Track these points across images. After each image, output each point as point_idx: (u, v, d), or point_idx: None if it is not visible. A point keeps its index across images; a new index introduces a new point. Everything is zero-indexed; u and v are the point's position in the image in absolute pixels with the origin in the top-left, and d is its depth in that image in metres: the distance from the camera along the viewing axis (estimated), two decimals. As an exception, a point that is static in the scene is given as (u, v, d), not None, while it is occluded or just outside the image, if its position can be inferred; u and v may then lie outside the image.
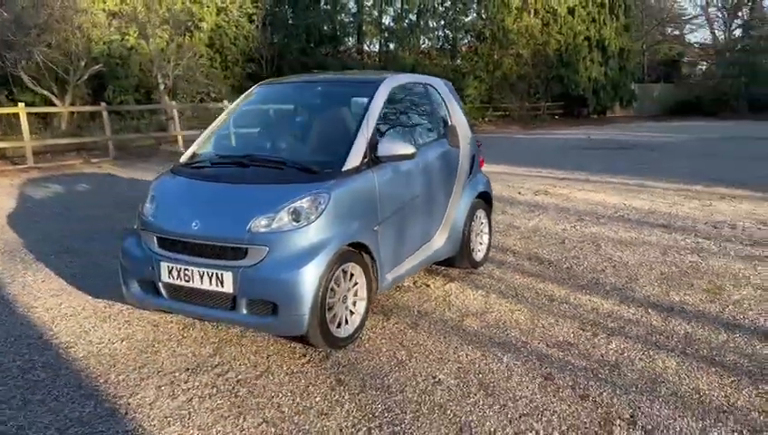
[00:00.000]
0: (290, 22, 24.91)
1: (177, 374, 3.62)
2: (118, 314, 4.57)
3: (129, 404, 3.29)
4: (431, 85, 5.18)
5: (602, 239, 6.67)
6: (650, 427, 3.01)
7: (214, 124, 4.75)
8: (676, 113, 34.07)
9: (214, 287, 3.67)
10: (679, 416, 3.10)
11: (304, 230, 3.63)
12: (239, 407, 3.25)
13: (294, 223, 3.64)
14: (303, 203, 3.69)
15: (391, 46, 29.83)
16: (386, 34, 29.74)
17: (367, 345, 3.98)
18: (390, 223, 4.20)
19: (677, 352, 3.84)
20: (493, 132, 24.74)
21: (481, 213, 5.51)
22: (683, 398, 3.27)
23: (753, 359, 3.73)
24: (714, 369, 3.60)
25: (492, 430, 3.00)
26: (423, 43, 30.74)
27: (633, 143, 19.04)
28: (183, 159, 4.53)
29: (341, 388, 3.43)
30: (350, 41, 29.77)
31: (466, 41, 29.67)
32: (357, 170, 3.96)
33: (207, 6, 23.65)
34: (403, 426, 3.04)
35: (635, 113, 33.70)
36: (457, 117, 5.31)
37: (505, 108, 30.62)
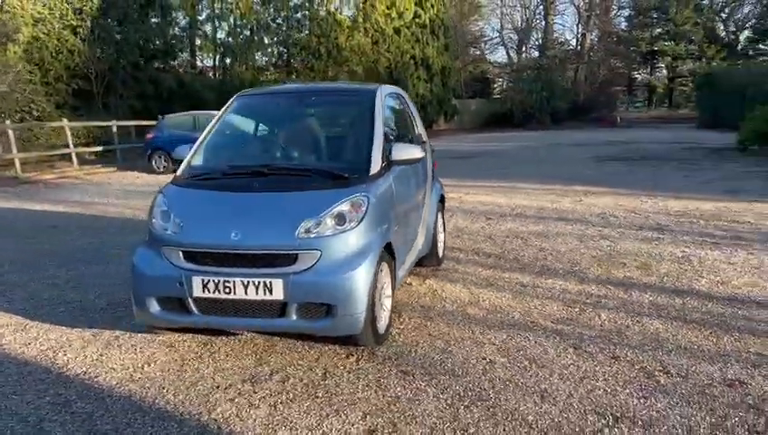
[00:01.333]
0: (118, 36, 23.43)
1: (239, 386, 3.57)
2: (114, 339, 4.31)
3: (215, 420, 3.22)
4: (401, 94, 5.51)
5: (521, 234, 7.42)
6: (683, 373, 3.60)
7: (202, 136, 4.63)
8: (491, 125, 37.49)
9: (261, 296, 3.64)
10: (697, 361, 3.74)
11: (352, 233, 3.76)
12: (330, 405, 3.31)
13: (339, 226, 3.75)
14: (345, 207, 3.82)
15: (227, 61, 29.30)
16: (221, 49, 29.17)
17: (400, 340, 4.18)
18: (400, 224, 4.45)
19: (654, 316, 4.54)
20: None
21: (440, 213, 5.94)
22: (688, 349, 3.93)
23: (713, 316, 4.54)
24: (691, 325, 4.34)
25: (568, 392, 3.40)
26: (258, 60, 30.61)
27: (473, 152, 20.73)
28: (181, 172, 4.37)
29: (412, 377, 3.62)
30: (184, 55, 28.74)
31: (300, 58, 30.04)
32: (380, 175, 4.17)
33: (22, 17, 21.50)
34: (492, 400, 3.33)
35: (456, 126, 36.47)
36: (419, 123, 5.69)
37: (342, 123, 31.55)
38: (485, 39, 55.37)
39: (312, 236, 3.70)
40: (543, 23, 46.79)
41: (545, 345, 4.05)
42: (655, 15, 51.44)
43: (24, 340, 4.35)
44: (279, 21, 30.54)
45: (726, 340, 4.07)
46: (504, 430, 3.04)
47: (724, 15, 51.96)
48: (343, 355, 3.94)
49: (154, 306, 3.88)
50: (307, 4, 29.87)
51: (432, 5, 32.82)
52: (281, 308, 3.69)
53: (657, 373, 3.61)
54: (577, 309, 4.72)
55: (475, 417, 3.15)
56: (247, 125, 4.99)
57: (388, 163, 4.33)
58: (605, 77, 44.24)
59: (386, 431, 3.04)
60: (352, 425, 3.11)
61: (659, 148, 19.86)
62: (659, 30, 51.72)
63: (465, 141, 27.56)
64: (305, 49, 29.16)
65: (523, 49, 53.01)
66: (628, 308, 4.71)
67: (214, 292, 3.69)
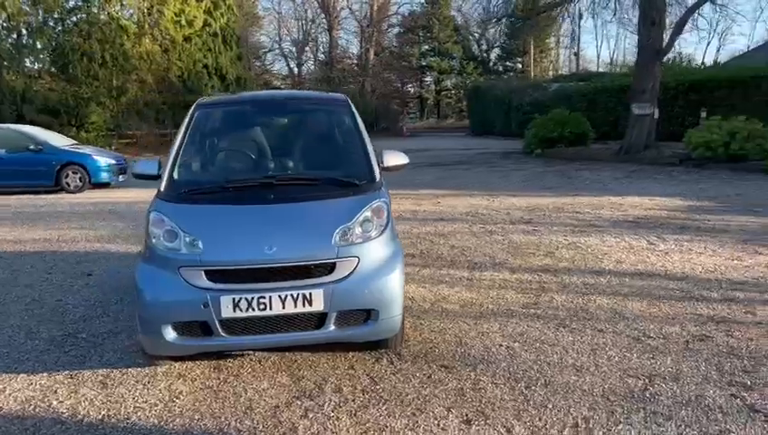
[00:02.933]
0: None
1: (299, 402, 3.49)
2: (105, 378, 3.88)
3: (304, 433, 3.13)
4: None
5: (421, 234, 7.90)
6: (660, 336, 4.31)
7: (175, 150, 4.30)
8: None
9: (299, 309, 3.55)
10: (660, 325, 4.49)
11: (382, 237, 3.86)
12: (408, 406, 3.41)
13: (367, 233, 3.82)
14: (368, 213, 3.90)
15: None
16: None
17: (413, 339, 4.34)
18: None
19: (595, 293, 5.28)
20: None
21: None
22: (644, 316, 4.69)
23: (638, 288, 5.40)
24: (629, 298, 5.13)
25: (593, 362, 3.89)
26: (31, 66, 27.24)
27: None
28: (168, 187, 4.04)
29: (457, 370, 3.83)
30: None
31: (82, 65, 27.38)
32: (382, 181, 4.31)
33: None
34: (542, 378, 3.69)
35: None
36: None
37: (132, 135, 29.42)
38: (265, 50, 55.55)
39: (348, 243, 3.71)
40: (328, 36, 48.34)
41: (538, 328, 4.50)
42: (421, 33, 55.91)
43: (-15, 393, 3.67)
44: (51, 24, 27.49)
45: (663, 306, 4.90)
46: (574, 400, 3.40)
47: (476, 35, 58.31)
48: (372, 360, 3.99)
49: (170, 334, 3.58)
50: (85, 7, 27.32)
51: (222, 14, 32.16)
52: (319, 320, 3.64)
53: (642, 338, 4.26)
54: (532, 295, 5.26)
55: (542, 394, 3.47)
56: (223, 136, 4.72)
57: (383, 169, 4.45)
58: (386, 90, 47.11)
59: (480, 419, 3.22)
60: (445, 419, 3.24)
61: (458, 154, 21.84)
62: (426, 47, 56.35)
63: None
64: (86, 55, 26.62)
65: (303, 61, 54.26)
66: (572, 289, 5.38)
67: (246, 310, 3.52)
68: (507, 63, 57.33)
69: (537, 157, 19.17)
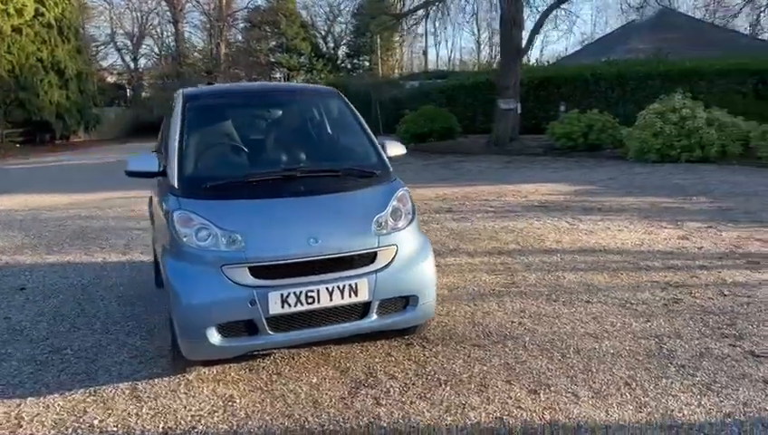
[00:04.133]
0: None
1: (364, 391, 3.52)
2: (135, 390, 3.63)
3: (392, 422, 3.20)
4: None
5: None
6: (641, 301, 4.84)
7: (176, 144, 4.06)
8: (140, 134, 35.42)
9: (346, 300, 3.56)
10: (633, 292, 5.03)
11: (412, 225, 3.98)
12: (470, 384, 3.57)
13: (399, 221, 3.92)
14: (396, 202, 4.01)
15: None
16: None
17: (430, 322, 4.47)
18: None
19: (560, 270, 5.75)
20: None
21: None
22: (614, 286, 5.22)
23: (591, 263, 5.96)
24: (590, 272, 5.66)
25: (604, 329, 4.30)
26: None
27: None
28: (183, 183, 3.82)
29: (492, 348, 4.05)
30: None
31: None
32: (392, 171, 4.40)
33: None
34: (568, 347, 4.03)
35: (97, 137, 33.52)
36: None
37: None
38: (98, 44, 51.69)
39: (386, 232, 3.78)
40: (174, 29, 45.99)
41: (532, 304, 4.85)
42: (269, 29, 55.11)
43: (14, 415, 3.27)
44: None
45: (622, 277, 5.47)
46: (610, 363, 3.76)
47: (323, 32, 58.67)
48: (404, 346, 4.10)
49: (214, 336, 3.44)
50: None
51: (56, 3, 29.44)
52: (363, 309, 3.68)
53: (626, 305, 4.75)
54: (506, 275, 5.62)
55: (580, 361, 3.80)
56: (224, 128, 4.48)
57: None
58: (238, 86, 45.84)
59: (544, 389, 3.47)
60: (511, 391, 3.44)
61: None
62: (274, 43, 55.67)
63: (125, 152, 25.59)
64: None
65: (139, 55, 51.22)
66: (536, 268, 5.81)
67: (295, 305, 3.47)
68: (355, 61, 58.21)
69: (412, 151, 19.83)
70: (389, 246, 3.72)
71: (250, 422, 3.20)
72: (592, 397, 3.33)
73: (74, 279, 5.97)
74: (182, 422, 3.22)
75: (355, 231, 3.68)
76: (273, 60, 55.99)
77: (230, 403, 3.40)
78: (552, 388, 3.45)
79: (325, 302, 3.51)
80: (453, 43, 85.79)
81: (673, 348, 3.91)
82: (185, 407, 3.38)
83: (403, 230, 3.83)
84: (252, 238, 3.48)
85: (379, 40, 54.06)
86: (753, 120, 13.59)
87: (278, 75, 57.90)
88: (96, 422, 3.25)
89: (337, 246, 3.56)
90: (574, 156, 15.82)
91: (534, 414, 3.17)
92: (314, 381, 3.63)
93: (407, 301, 3.79)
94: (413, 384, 3.54)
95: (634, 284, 5.24)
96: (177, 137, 4.07)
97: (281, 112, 4.66)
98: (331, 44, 60.16)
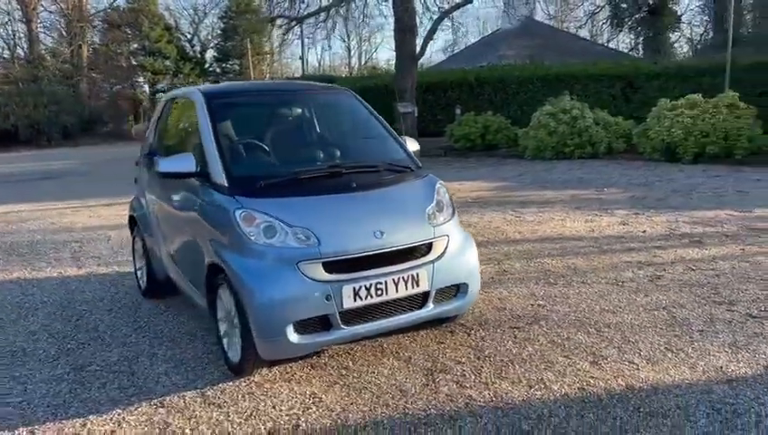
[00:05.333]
0: None
1: (441, 378, 3.63)
2: (207, 398, 3.51)
3: (488, 400, 3.38)
4: None
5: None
6: (628, 279, 5.35)
7: (212, 143, 3.94)
8: (-7, 144, 32.19)
9: (409, 291, 3.67)
10: (617, 272, 5.55)
11: (455, 216, 4.18)
12: (533, 362, 3.80)
13: (443, 212, 4.11)
14: (439, 195, 4.19)
15: None
16: None
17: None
18: None
19: (538, 257, 6.18)
20: None
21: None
22: (594, 268, 5.71)
23: (562, 248, 6.44)
24: (567, 258, 6.13)
25: (615, 304, 4.74)
26: None
27: (53, 172, 18.15)
28: (233, 181, 3.72)
29: (530, 329, 4.31)
30: None
31: None
32: None
33: None
34: (593, 322, 4.40)
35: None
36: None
37: None
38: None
39: (437, 223, 3.94)
40: (26, 30, 42.15)
41: (539, 287, 5.19)
42: (129, 31, 52.30)
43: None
44: None
45: (596, 260, 5.99)
46: (642, 333, 4.15)
47: (189, 35, 56.74)
48: (448, 333, 4.26)
49: (292, 334, 3.43)
50: None
51: None
52: (422, 299, 3.82)
53: (620, 283, 5.23)
54: (491, 265, 5.93)
55: (616, 333, 4.17)
56: (254, 126, 4.36)
57: None
58: (107, 91, 43.10)
59: (602, 360, 3.79)
60: (576, 364, 3.73)
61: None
62: (136, 45, 52.93)
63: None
64: None
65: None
66: (516, 257, 6.19)
67: (366, 298, 3.55)
68: (225, 65, 56.76)
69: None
70: (442, 236, 3.87)
71: (351, 415, 3.20)
72: (648, 363, 3.68)
73: (41, 296, 5.49)
74: (281, 422, 3.17)
75: (413, 223, 3.79)
76: (135, 63, 53.19)
77: (317, 400, 3.38)
78: (608, 359, 3.76)
79: (392, 293, 3.60)
80: (322, 49, 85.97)
81: (684, 317, 4.38)
82: (273, 407, 3.31)
83: (450, 221, 3.99)
84: (323, 234, 3.48)
85: (249, 43, 53.24)
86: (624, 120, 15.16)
87: (141, 80, 55.15)
88: (188, 431, 3.10)
89: (400, 239, 3.66)
90: (474, 156, 16.64)
91: (609, 382, 3.45)
92: (385, 371, 3.69)
93: (457, 289, 3.95)
94: (482, 367, 3.71)
95: (611, 265, 5.75)
96: (211, 137, 3.95)
97: (303, 110, 4.63)
98: (198, 48, 58.28)
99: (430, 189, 4.06)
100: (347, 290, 3.45)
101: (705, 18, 40.37)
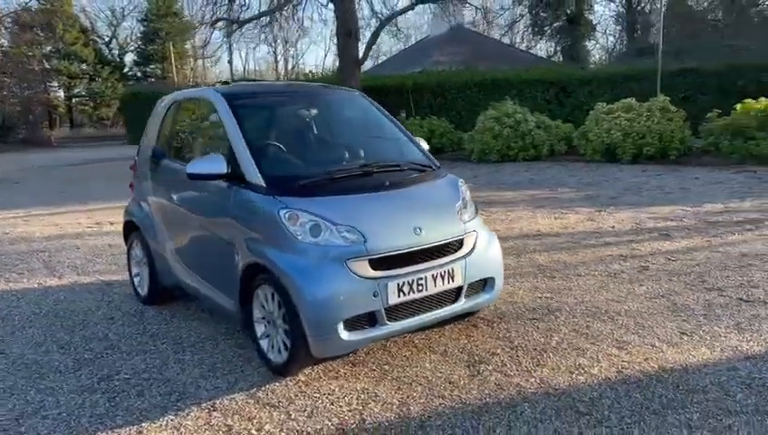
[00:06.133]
0: None
1: (485, 368, 3.75)
2: (258, 400, 3.48)
3: (547, 383, 3.54)
4: None
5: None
6: (632, 268, 5.68)
7: (241, 143, 3.93)
8: None
9: (445, 286, 3.78)
10: (620, 263, 5.88)
11: (478, 214, 4.34)
12: (566, 349, 3.99)
13: (469, 209, 4.26)
14: (462, 193, 4.33)
15: None
16: None
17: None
18: None
19: (524, 253, 6.43)
20: None
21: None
22: (599, 260, 6.02)
23: (543, 247, 6.72)
24: (551, 253, 6.41)
25: (623, 292, 5.02)
26: None
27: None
28: (270, 182, 3.70)
29: (549, 320, 4.50)
30: None
31: None
32: None
33: None
34: (612, 310, 4.66)
35: None
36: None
37: None
38: None
39: (466, 220, 4.09)
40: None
41: (540, 281, 5.41)
42: (41, 33, 49.87)
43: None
44: None
45: (580, 254, 6.29)
46: (653, 319, 4.41)
47: (107, 38, 54.72)
48: (472, 327, 4.39)
49: (343, 331, 3.49)
50: None
51: None
52: (456, 293, 3.95)
53: (613, 275, 5.52)
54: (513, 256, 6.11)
55: (626, 321, 4.42)
56: (277, 127, 4.33)
57: None
58: (12, 96, 40.81)
59: (627, 344, 4.02)
60: (605, 351, 3.94)
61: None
62: (50, 48, 50.54)
63: None
64: None
65: None
66: (508, 252, 6.36)
67: (408, 293, 3.63)
68: (146, 69, 55.03)
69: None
70: (471, 232, 4.01)
71: (411, 408, 3.27)
72: (669, 346, 3.94)
73: (30, 307, 5.23)
74: (345, 417, 3.20)
75: (446, 220, 3.90)
76: (49, 67, 50.72)
77: (372, 395, 3.43)
78: (631, 344, 3.99)
79: (431, 289, 3.70)
80: (247, 54, 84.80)
81: (684, 303, 4.70)
82: (331, 404, 3.34)
83: (476, 217, 4.13)
84: (368, 232, 3.54)
85: (172, 47, 51.86)
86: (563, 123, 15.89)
87: (55, 84, 52.67)
88: (254, 432, 3.09)
89: (437, 235, 3.77)
90: (420, 159, 16.87)
91: (641, 365, 3.67)
92: (427, 365, 3.78)
93: (485, 283, 4.09)
94: (518, 356, 3.86)
95: (596, 258, 6.06)
96: (240, 138, 3.93)
97: (320, 110, 4.65)
98: (117, 51, 56.23)
99: (455, 188, 4.19)
100: (392, 286, 3.52)
101: (618, 28, 42.62)
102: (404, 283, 3.57)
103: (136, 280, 5.25)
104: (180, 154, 4.72)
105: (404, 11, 19.46)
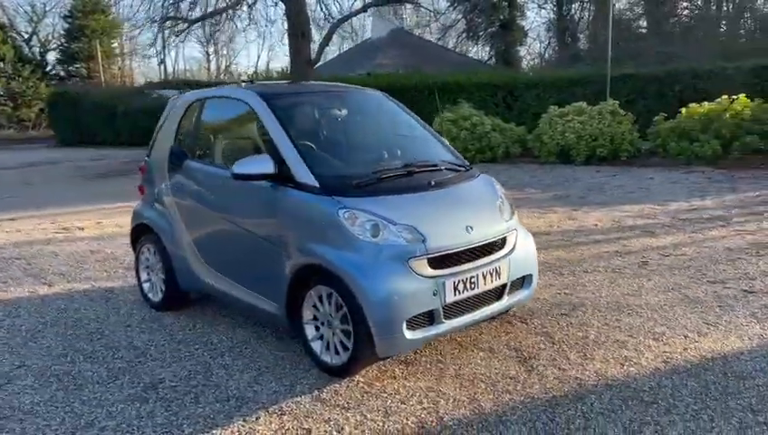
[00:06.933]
0: None
1: (533, 363, 3.84)
2: (325, 402, 3.43)
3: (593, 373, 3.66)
4: None
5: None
6: (643, 262, 5.92)
7: (288, 143, 3.87)
8: None
9: (494, 283, 3.86)
10: (606, 261, 6.10)
11: (514, 212, 4.43)
12: (605, 341, 4.15)
13: (507, 208, 4.33)
14: (500, 192, 4.42)
15: None
16: None
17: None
18: None
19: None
20: None
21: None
22: (581, 259, 6.23)
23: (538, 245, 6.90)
24: (548, 251, 6.61)
25: (631, 289, 5.22)
26: None
27: None
28: (323, 182, 3.67)
29: (577, 315, 4.64)
30: None
31: None
32: None
33: None
34: (633, 303, 4.84)
35: None
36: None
37: None
38: None
39: (508, 218, 4.18)
40: None
41: (551, 278, 5.56)
42: (-44, 29, 47.03)
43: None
44: None
45: (577, 251, 6.50)
46: (673, 311, 4.61)
47: (26, 35, 52.18)
48: (507, 323, 4.47)
49: (406, 331, 3.50)
50: None
51: None
52: (501, 291, 4.03)
53: (617, 271, 5.72)
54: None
55: (650, 314, 4.61)
56: (314, 126, 4.25)
57: None
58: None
59: (661, 336, 4.20)
60: (643, 343, 4.10)
61: (94, 165, 19.61)
62: (-36, 45, 47.68)
63: None
64: None
65: None
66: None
67: (463, 291, 3.68)
68: (70, 68, 52.72)
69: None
70: (512, 230, 4.10)
71: (482, 404, 3.31)
72: (700, 335, 4.13)
73: (32, 317, 4.94)
74: (422, 416, 3.20)
75: (491, 218, 3.97)
76: (-39, 64, 47.80)
77: (439, 393, 3.45)
78: (663, 335, 4.17)
79: (481, 286, 3.77)
80: (177, 54, 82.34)
81: (695, 295, 4.94)
82: (402, 403, 3.34)
83: (514, 216, 4.22)
84: (426, 231, 3.56)
85: (99, 45, 50.09)
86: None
87: (-30, 83, 49.68)
88: (335, 434, 3.05)
89: (485, 233, 3.83)
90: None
91: (683, 354, 3.85)
92: (480, 362, 3.82)
93: (523, 280, 4.18)
94: (563, 350, 3.96)
95: (595, 255, 6.27)
96: (286, 138, 3.88)
97: (350, 110, 4.61)
98: (38, 49, 53.61)
99: (492, 186, 4.26)
100: (449, 284, 3.56)
101: (549, 34, 44.08)
102: (459, 281, 3.61)
103: (146, 286, 5.04)
104: (206, 155, 4.57)
105: (357, 13, 19.45)
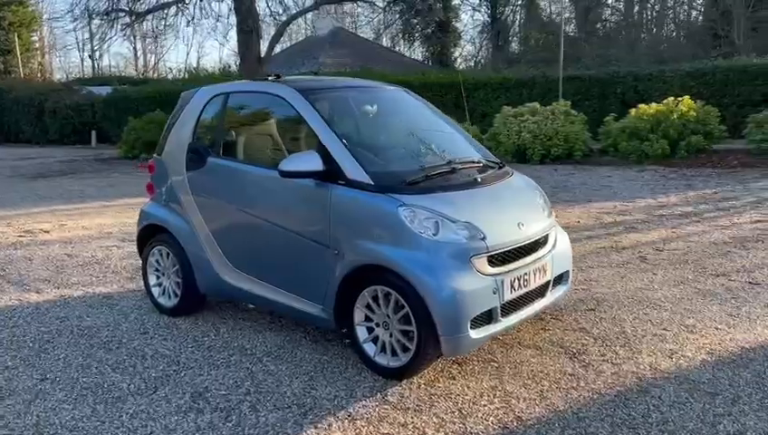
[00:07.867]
0: None
1: (583, 359, 3.86)
2: (394, 403, 3.34)
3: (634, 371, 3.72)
4: None
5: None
6: (646, 254, 6.06)
7: (336, 141, 3.73)
8: None
9: (541, 280, 3.86)
10: (606, 256, 6.24)
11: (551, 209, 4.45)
12: (636, 335, 4.24)
13: (547, 205, 4.35)
14: (538, 190, 4.43)
15: None
16: None
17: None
18: None
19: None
20: None
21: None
22: (581, 255, 6.36)
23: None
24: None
25: (643, 283, 5.35)
26: None
27: None
28: (380, 180, 3.57)
29: (606, 311, 4.69)
30: None
31: None
32: None
33: None
34: (651, 296, 4.96)
35: None
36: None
37: None
38: None
39: (548, 215, 4.20)
40: None
41: (583, 273, 5.63)
42: None
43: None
44: None
45: (578, 247, 6.59)
46: (691, 302, 4.74)
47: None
48: (540, 320, 4.47)
49: (471, 331, 3.44)
50: None
51: None
52: (545, 287, 4.04)
53: (622, 265, 5.85)
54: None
55: (672, 307, 4.73)
56: (356, 123, 4.11)
57: None
58: None
59: (692, 328, 4.31)
60: (680, 334, 4.20)
61: (28, 164, 18.59)
62: None
63: None
64: None
65: None
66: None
67: (518, 288, 3.66)
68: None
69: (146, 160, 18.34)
70: (553, 227, 4.10)
71: (552, 401, 3.28)
72: (729, 327, 4.26)
73: (32, 326, 4.57)
74: (500, 415, 3.14)
75: (538, 215, 3.98)
76: None
77: (506, 392, 3.40)
78: (695, 327, 4.28)
79: (532, 283, 3.77)
80: (101, 48, 78.63)
81: (707, 288, 5.10)
82: (473, 403, 3.28)
83: (552, 213, 4.23)
84: (485, 228, 3.52)
85: (18, 39, 47.70)
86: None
87: None
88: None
89: (535, 230, 3.83)
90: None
91: (722, 345, 3.96)
92: (532, 360, 3.80)
93: (561, 277, 4.20)
94: (606, 346, 3.99)
95: (592, 251, 6.40)
96: (332, 134, 3.74)
97: (381, 106, 4.48)
98: (-53, 42, 50.26)
99: (531, 184, 4.25)
100: (507, 282, 3.52)
101: (483, 37, 44.97)
102: (515, 278, 3.58)
103: (155, 290, 4.75)
104: (235, 152, 4.34)
105: (308, 10, 19.18)
